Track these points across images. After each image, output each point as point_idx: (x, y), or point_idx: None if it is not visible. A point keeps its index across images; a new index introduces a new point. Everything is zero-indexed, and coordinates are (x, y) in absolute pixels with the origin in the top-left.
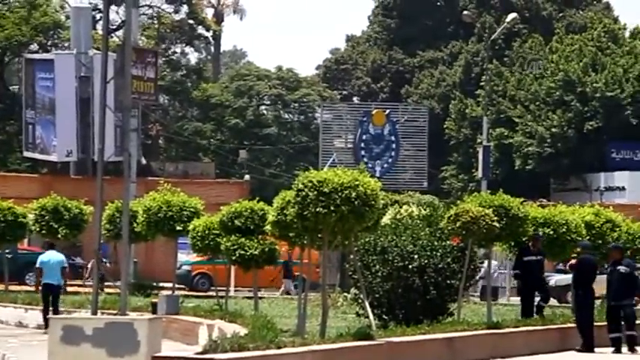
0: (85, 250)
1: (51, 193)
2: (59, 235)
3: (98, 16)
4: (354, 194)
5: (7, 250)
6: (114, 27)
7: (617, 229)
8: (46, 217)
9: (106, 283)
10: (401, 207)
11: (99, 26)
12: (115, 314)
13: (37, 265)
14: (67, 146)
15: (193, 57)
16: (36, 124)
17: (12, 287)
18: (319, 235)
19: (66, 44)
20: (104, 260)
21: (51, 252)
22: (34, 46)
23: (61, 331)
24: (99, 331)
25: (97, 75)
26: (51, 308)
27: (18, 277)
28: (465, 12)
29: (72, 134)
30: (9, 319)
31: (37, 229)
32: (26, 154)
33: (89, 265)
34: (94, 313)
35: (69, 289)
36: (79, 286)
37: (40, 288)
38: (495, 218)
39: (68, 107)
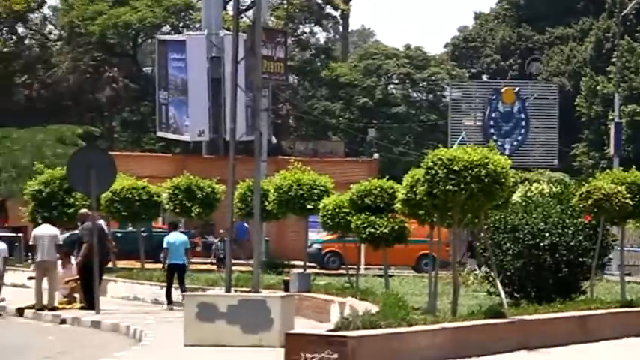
0: (217, 229)
1: (184, 172)
2: (192, 214)
3: None
4: (483, 172)
5: (142, 229)
6: (244, 7)
7: None
8: (180, 197)
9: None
10: (531, 185)
11: (229, 7)
12: (249, 292)
13: (165, 246)
14: (199, 126)
15: (322, 37)
16: (169, 105)
17: (148, 265)
18: (449, 214)
19: (197, 25)
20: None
21: (175, 233)
22: (167, 28)
23: (196, 308)
24: (233, 308)
25: (228, 56)
26: (177, 286)
27: (153, 256)
28: None
29: (204, 114)
30: (145, 296)
31: (171, 209)
32: (160, 134)
33: (213, 246)
34: (228, 290)
35: (202, 267)
36: (211, 264)
37: (165, 267)
38: (628, 196)
39: (200, 88)
